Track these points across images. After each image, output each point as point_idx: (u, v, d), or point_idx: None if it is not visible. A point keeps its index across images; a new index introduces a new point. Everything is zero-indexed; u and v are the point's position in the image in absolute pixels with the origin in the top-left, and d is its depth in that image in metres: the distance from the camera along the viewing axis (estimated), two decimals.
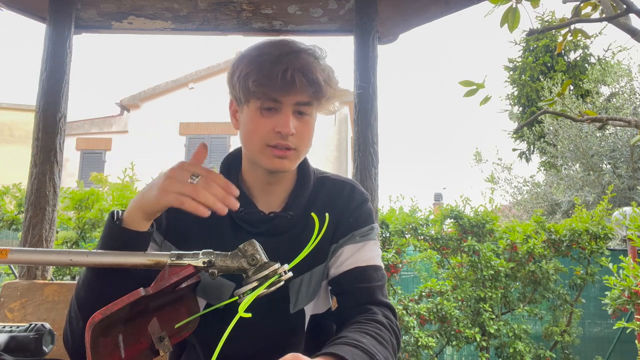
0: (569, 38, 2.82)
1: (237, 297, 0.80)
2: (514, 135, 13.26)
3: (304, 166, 1.11)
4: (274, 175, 1.04)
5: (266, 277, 0.79)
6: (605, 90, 11.80)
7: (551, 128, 10.62)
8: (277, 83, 0.92)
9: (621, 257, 3.72)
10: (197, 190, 0.82)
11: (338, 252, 1.05)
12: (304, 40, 1.03)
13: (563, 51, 12.56)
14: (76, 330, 0.89)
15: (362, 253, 1.04)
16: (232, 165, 1.10)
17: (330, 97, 0.99)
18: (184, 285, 0.89)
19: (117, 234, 0.86)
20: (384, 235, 4.46)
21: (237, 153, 1.11)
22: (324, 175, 1.13)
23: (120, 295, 0.78)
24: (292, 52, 0.95)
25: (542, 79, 12.18)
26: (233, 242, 1.00)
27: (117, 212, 0.88)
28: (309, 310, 1.06)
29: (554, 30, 7.36)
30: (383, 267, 1.08)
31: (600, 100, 10.87)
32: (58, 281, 1.58)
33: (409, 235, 4.56)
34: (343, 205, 1.08)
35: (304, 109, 0.97)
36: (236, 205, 0.84)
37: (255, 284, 0.79)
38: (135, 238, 0.87)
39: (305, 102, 0.96)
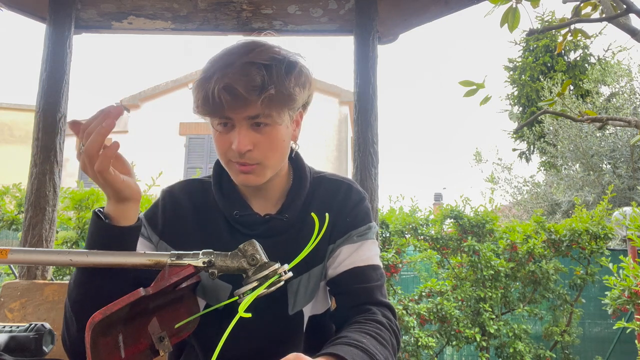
0: (569, 38, 2.82)
1: (237, 297, 0.80)
2: (514, 135, 13.26)
3: (299, 166, 1.10)
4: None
5: (266, 277, 0.79)
6: (605, 90, 11.80)
7: (551, 128, 10.63)
8: (209, 105, 0.89)
9: (621, 257, 3.72)
10: (86, 149, 0.78)
11: (336, 252, 1.04)
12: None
13: (563, 51, 12.57)
14: (71, 330, 0.90)
15: (360, 253, 1.04)
16: (223, 169, 1.09)
17: (286, 101, 0.92)
18: (184, 285, 0.89)
19: (101, 231, 0.86)
20: (384, 235, 4.46)
21: None
22: (320, 175, 1.12)
23: (112, 295, 0.77)
24: (222, 66, 0.90)
25: (542, 79, 12.18)
26: (229, 244, 0.99)
27: (100, 209, 0.87)
28: (308, 311, 1.06)
29: (554, 30, 7.36)
30: (382, 266, 1.07)
31: (600, 100, 10.88)
32: (58, 281, 1.58)
33: (409, 235, 4.56)
34: (340, 204, 1.07)
35: (261, 120, 0.92)
36: (117, 111, 0.79)
37: (255, 284, 0.79)
38: (120, 233, 0.86)
39: (254, 115, 0.90)
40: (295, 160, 1.11)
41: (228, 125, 0.93)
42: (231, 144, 0.92)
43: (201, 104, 0.91)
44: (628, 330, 3.67)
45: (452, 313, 4.21)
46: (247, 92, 0.88)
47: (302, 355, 0.69)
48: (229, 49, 0.95)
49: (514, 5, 2.30)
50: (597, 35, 10.66)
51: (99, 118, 0.79)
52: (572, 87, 12.07)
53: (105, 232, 0.86)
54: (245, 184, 0.98)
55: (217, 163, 1.10)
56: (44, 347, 0.91)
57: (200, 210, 1.07)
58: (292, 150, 1.09)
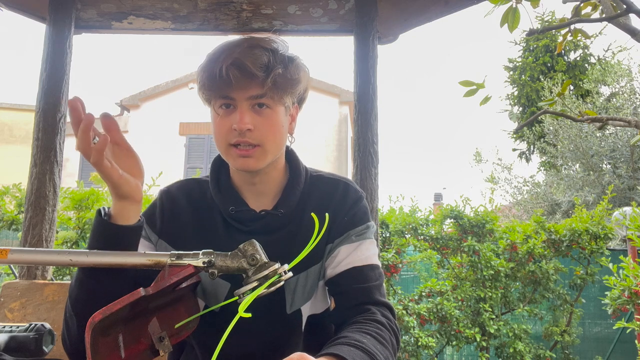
0: (569, 38, 2.82)
1: (237, 297, 0.80)
2: (514, 135, 13.26)
3: (294, 164, 1.10)
4: (255, 175, 1.03)
5: (266, 277, 0.79)
6: (605, 90, 11.80)
7: (551, 128, 10.63)
8: (216, 81, 0.93)
9: (621, 257, 3.73)
10: (77, 147, 0.80)
11: (334, 252, 1.04)
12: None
13: (563, 51, 12.57)
14: (72, 330, 0.90)
15: (358, 253, 1.04)
16: (222, 165, 1.10)
17: (287, 86, 0.97)
18: (183, 285, 0.89)
19: (105, 229, 0.86)
20: (384, 235, 4.46)
21: None
22: (318, 174, 1.13)
23: (113, 294, 0.78)
24: (229, 47, 0.95)
25: (542, 79, 12.18)
26: (226, 241, 1.00)
27: (104, 208, 0.88)
28: (306, 311, 1.06)
29: (554, 30, 7.37)
30: (380, 265, 1.07)
31: (600, 100, 10.88)
32: (58, 281, 1.58)
33: (409, 235, 4.56)
34: (337, 204, 1.07)
35: (261, 102, 0.96)
36: (74, 103, 0.80)
37: (255, 284, 0.79)
38: (123, 232, 0.86)
39: (257, 95, 0.94)
40: (290, 157, 1.11)
41: (230, 107, 0.96)
42: (232, 125, 0.95)
43: (207, 82, 0.95)
44: (628, 330, 3.67)
45: (452, 313, 4.21)
46: (256, 68, 0.92)
47: (306, 355, 0.69)
48: (230, 39, 1.00)
49: (514, 5, 2.30)
50: (597, 35, 10.65)
51: (75, 115, 0.81)
52: (572, 87, 12.07)
53: (104, 230, 0.86)
54: (244, 168, 0.99)
55: (216, 160, 1.11)
56: (44, 347, 0.91)
57: (197, 208, 1.07)
58: (288, 145, 1.10)
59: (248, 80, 0.93)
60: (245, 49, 0.94)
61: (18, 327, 0.92)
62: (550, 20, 12.42)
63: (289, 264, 0.83)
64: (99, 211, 0.87)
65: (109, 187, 0.85)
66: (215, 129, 0.99)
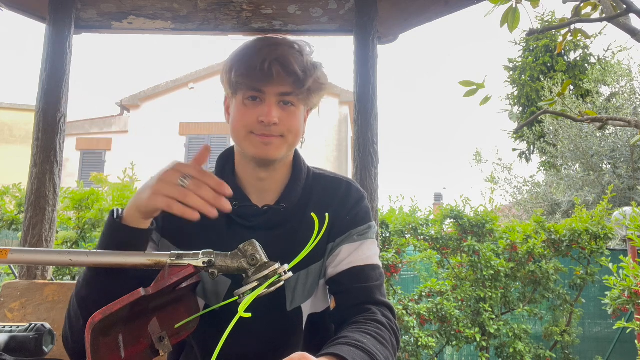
0: (569, 38, 2.81)
1: (237, 297, 0.80)
2: (514, 135, 13.26)
3: (297, 161, 1.11)
4: (265, 169, 1.04)
5: (266, 277, 0.79)
6: (605, 90, 11.80)
7: (551, 128, 10.63)
8: (256, 73, 0.96)
9: (621, 257, 3.72)
10: (185, 194, 0.80)
11: (335, 251, 1.05)
12: (304, 41, 1.04)
13: (563, 51, 12.57)
14: (76, 328, 0.89)
15: (359, 252, 1.04)
16: (227, 162, 1.11)
17: (315, 90, 1.01)
18: (183, 285, 0.89)
19: (117, 231, 0.86)
20: (384, 235, 4.46)
21: (231, 150, 1.12)
22: (320, 172, 1.14)
23: (121, 295, 0.78)
24: (272, 44, 0.99)
25: (542, 79, 12.18)
26: (228, 236, 1.00)
27: (117, 210, 0.88)
28: (307, 309, 1.06)
29: (554, 30, 7.37)
30: (381, 265, 1.08)
31: (600, 100, 10.88)
32: (58, 281, 1.58)
33: (409, 235, 4.56)
34: (339, 203, 1.08)
35: (288, 99, 0.99)
36: (228, 207, 0.82)
37: (255, 284, 0.79)
38: (135, 235, 0.87)
39: (287, 92, 0.98)
40: (294, 156, 1.12)
41: (257, 99, 0.99)
42: (258, 116, 0.97)
43: (245, 72, 0.97)
44: (628, 330, 3.67)
45: (452, 313, 4.21)
46: (298, 68, 0.96)
47: (307, 354, 0.69)
48: (265, 37, 1.04)
49: (514, 5, 2.29)
50: (597, 35, 10.65)
51: (217, 184, 0.82)
52: (572, 87, 12.07)
53: (115, 231, 0.86)
54: (263, 155, 1.00)
55: (221, 157, 1.12)
56: (44, 347, 0.91)
57: None
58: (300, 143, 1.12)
59: (286, 77, 0.96)
60: (288, 48, 0.99)
61: (18, 327, 0.92)
62: (550, 20, 12.42)
63: (289, 263, 0.83)
64: (112, 212, 0.87)
65: (143, 205, 0.84)
66: (238, 116, 1.00)
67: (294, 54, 0.98)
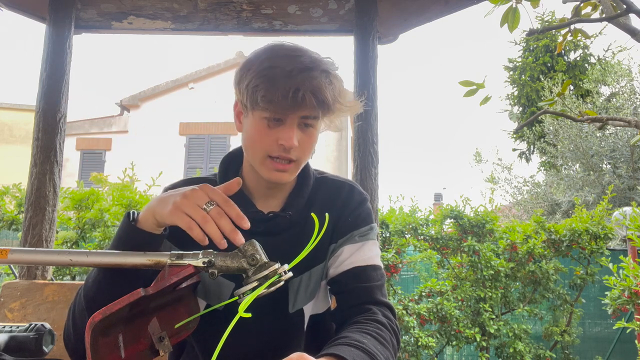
0: (569, 38, 2.82)
1: (237, 297, 0.80)
2: (514, 135, 13.26)
3: (305, 168, 1.11)
4: (275, 185, 1.04)
5: (266, 277, 0.79)
6: (605, 90, 11.80)
7: (551, 128, 10.63)
8: (287, 102, 0.90)
9: (621, 257, 3.72)
10: (206, 220, 0.80)
11: (337, 252, 1.05)
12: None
13: (563, 51, 12.57)
14: (80, 328, 0.89)
15: (361, 253, 1.04)
16: (231, 165, 1.10)
17: (339, 111, 0.98)
18: (184, 285, 0.89)
19: (132, 234, 0.87)
20: (384, 235, 4.46)
21: (238, 152, 1.11)
22: (323, 176, 1.14)
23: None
24: (305, 69, 0.92)
25: (542, 79, 12.18)
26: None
27: (134, 212, 0.89)
28: (308, 310, 1.06)
29: (554, 30, 7.37)
30: (382, 266, 1.08)
31: (600, 100, 10.88)
32: (58, 281, 1.58)
33: (409, 235, 4.56)
34: (342, 205, 1.08)
35: (310, 122, 0.97)
36: (241, 241, 0.81)
37: (255, 284, 0.79)
38: (148, 239, 0.87)
39: (312, 116, 0.96)
40: None
41: (279, 120, 0.95)
42: (277, 139, 0.94)
43: (275, 99, 0.90)
44: (628, 330, 3.66)
45: (452, 313, 4.21)
46: (331, 98, 0.93)
47: (305, 355, 0.69)
48: (289, 50, 0.96)
49: (514, 5, 2.30)
50: (597, 35, 10.65)
51: (237, 216, 0.81)
52: (572, 87, 12.07)
53: (130, 234, 0.87)
54: (278, 182, 1.00)
55: (225, 160, 1.11)
56: (44, 347, 0.91)
57: None
58: None
59: (317, 107, 0.93)
60: (321, 75, 0.92)
61: (18, 327, 0.92)
62: (550, 20, 12.42)
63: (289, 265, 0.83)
64: (127, 215, 0.88)
65: (160, 216, 0.84)
66: (257, 137, 0.96)
67: (327, 82, 0.93)
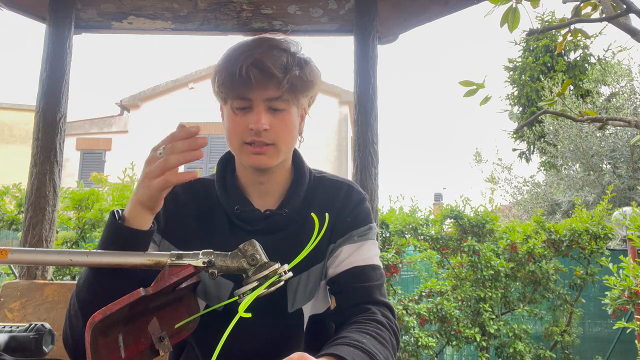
0: (569, 38, 2.82)
1: (237, 297, 0.80)
2: (514, 135, 13.26)
3: (299, 165, 1.11)
4: (263, 174, 1.04)
5: (266, 277, 0.79)
6: (605, 90, 11.81)
7: (551, 128, 10.63)
8: (236, 80, 0.94)
9: (621, 257, 3.72)
10: (166, 160, 0.82)
11: (336, 252, 1.05)
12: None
13: (563, 51, 12.57)
14: (76, 329, 0.89)
15: (360, 253, 1.04)
16: (227, 165, 1.11)
17: (302, 89, 0.99)
18: (184, 285, 0.89)
19: (120, 233, 0.86)
20: (384, 235, 4.46)
21: (231, 153, 1.12)
22: (321, 175, 1.14)
23: (123, 295, 0.77)
24: (250, 47, 0.96)
25: (542, 79, 12.18)
26: (230, 240, 1.00)
27: (118, 211, 0.88)
28: (308, 311, 1.06)
29: (554, 30, 7.37)
30: (382, 266, 1.08)
31: (600, 100, 10.88)
32: (58, 281, 1.58)
33: (409, 235, 4.56)
34: (341, 205, 1.08)
35: (277, 105, 0.97)
36: (204, 142, 0.84)
37: (255, 284, 0.79)
38: (136, 236, 0.87)
39: (274, 97, 0.96)
40: (295, 158, 1.12)
41: (246, 108, 0.97)
42: (248, 125, 0.97)
43: (226, 81, 0.96)
44: (628, 330, 3.67)
45: (452, 313, 4.21)
46: (276, 69, 0.94)
47: (306, 355, 0.69)
48: (248, 39, 1.01)
49: (514, 5, 2.29)
50: (597, 35, 10.65)
51: (186, 133, 0.84)
52: (572, 87, 12.07)
53: (117, 233, 0.86)
54: (257, 165, 1.00)
55: (222, 160, 1.11)
56: (44, 347, 0.91)
57: (202, 207, 1.07)
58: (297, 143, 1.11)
59: (267, 81, 0.94)
60: (266, 50, 0.96)
61: (18, 327, 0.92)
62: (550, 20, 12.42)
63: (289, 264, 0.83)
64: (112, 213, 0.88)
65: (146, 200, 0.85)
66: (230, 127, 1.00)
67: (272, 54, 0.95)
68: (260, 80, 0.94)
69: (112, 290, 0.85)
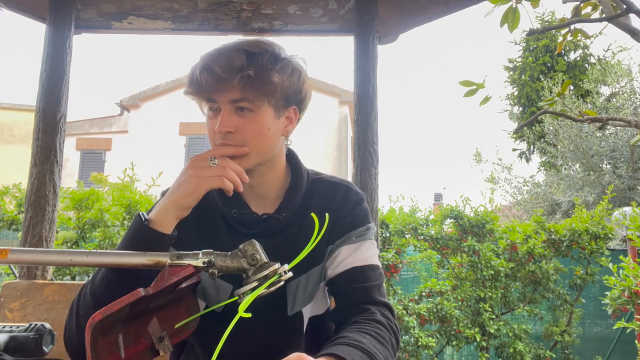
0: (569, 38, 2.82)
1: (237, 297, 0.80)
2: (514, 135, 13.26)
3: (296, 166, 1.10)
4: (250, 177, 1.01)
5: (266, 277, 0.79)
6: (605, 90, 11.80)
7: (551, 128, 10.62)
8: (193, 85, 0.96)
9: (621, 257, 3.72)
10: (225, 169, 0.90)
11: (335, 253, 1.05)
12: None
13: (563, 51, 12.56)
14: (84, 327, 0.89)
15: (358, 253, 1.04)
16: None
17: (272, 90, 0.95)
18: (184, 285, 0.89)
19: (146, 235, 0.88)
20: (384, 235, 4.46)
21: None
22: (318, 177, 1.13)
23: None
24: (207, 53, 0.98)
25: (542, 79, 12.18)
26: (229, 244, 1.00)
27: (143, 214, 0.90)
28: (307, 312, 1.06)
29: (554, 30, 7.37)
30: (380, 266, 1.08)
31: (600, 100, 10.88)
32: (58, 281, 1.58)
33: (409, 235, 4.56)
34: (338, 206, 1.07)
35: (244, 105, 0.95)
36: (246, 179, 0.93)
37: (255, 284, 0.79)
38: (160, 239, 0.88)
39: (237, 98, 0.94)
40: (292, 160, 1.11)
41: (216, 109, 0.98)
42: (215, 127, 0.97)
43: (187, 84, 0.98)
44: (628, 330, 3.66)
45: (452, 313, 4.20)
46: (224, 71, 0.92)
47: (304, 355, 0.69)
48: (224, 42, 1.02)
49: (514, 5, 2.29)
50: (597, 35, 10.64)
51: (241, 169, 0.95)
52: (572, 87, 12.07)
53: (143, 234, 0.88)
54: None
55: None
56: (44, 347, 0.91)
57: (200, 209, 1.07)
58: (287, 148, 1.10)
59: (221, 84, 0.93)
60: (219, 53, 0.96)
61: (18, 327, 0.92)
62: (550, 20, 12.42)
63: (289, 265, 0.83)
64: (138, 215, 0.90)
65: (187, 199, 0.90)
66: (207, 130, 1.02)
67: (224, 58, 0.94)
68: (213, 84, 0.93)
69: (130, 290, 0.85)
